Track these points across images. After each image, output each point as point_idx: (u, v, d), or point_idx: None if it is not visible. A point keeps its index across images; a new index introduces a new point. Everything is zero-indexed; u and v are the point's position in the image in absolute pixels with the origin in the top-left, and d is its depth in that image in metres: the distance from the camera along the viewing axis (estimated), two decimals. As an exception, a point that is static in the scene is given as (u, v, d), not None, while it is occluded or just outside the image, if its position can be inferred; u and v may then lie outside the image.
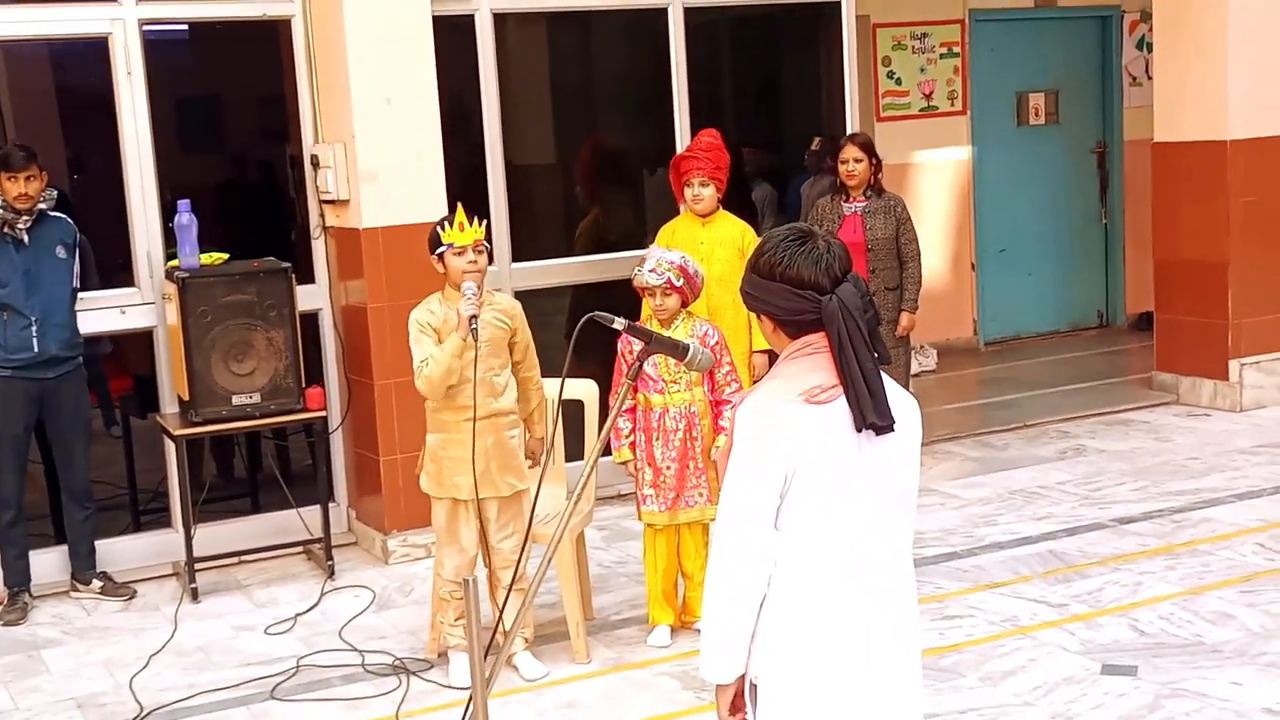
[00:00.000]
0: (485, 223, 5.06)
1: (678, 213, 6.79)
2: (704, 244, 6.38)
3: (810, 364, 2.68)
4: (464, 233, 4.92)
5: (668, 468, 5.31)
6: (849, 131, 7.75)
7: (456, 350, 4.88)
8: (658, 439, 5.31)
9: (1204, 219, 8.54)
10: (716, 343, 5.31)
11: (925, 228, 7.49)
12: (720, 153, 6.48)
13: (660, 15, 7.41)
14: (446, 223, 4.97)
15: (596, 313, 3.05)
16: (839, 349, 2.63)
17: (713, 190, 6.41)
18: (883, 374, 2.67)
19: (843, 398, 2.63)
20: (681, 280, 5.22)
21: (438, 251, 4.99)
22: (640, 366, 3.07)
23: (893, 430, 2.65)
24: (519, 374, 5.21)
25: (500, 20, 7.04)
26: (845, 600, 2.69)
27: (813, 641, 2.68)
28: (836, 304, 2.64)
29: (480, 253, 4.97)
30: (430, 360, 4.90)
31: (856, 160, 7.05)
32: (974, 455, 7.91)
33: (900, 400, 2.72)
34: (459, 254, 4.93)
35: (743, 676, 2.75)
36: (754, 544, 2.64)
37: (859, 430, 2.64)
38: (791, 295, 2.68)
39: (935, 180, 10.64)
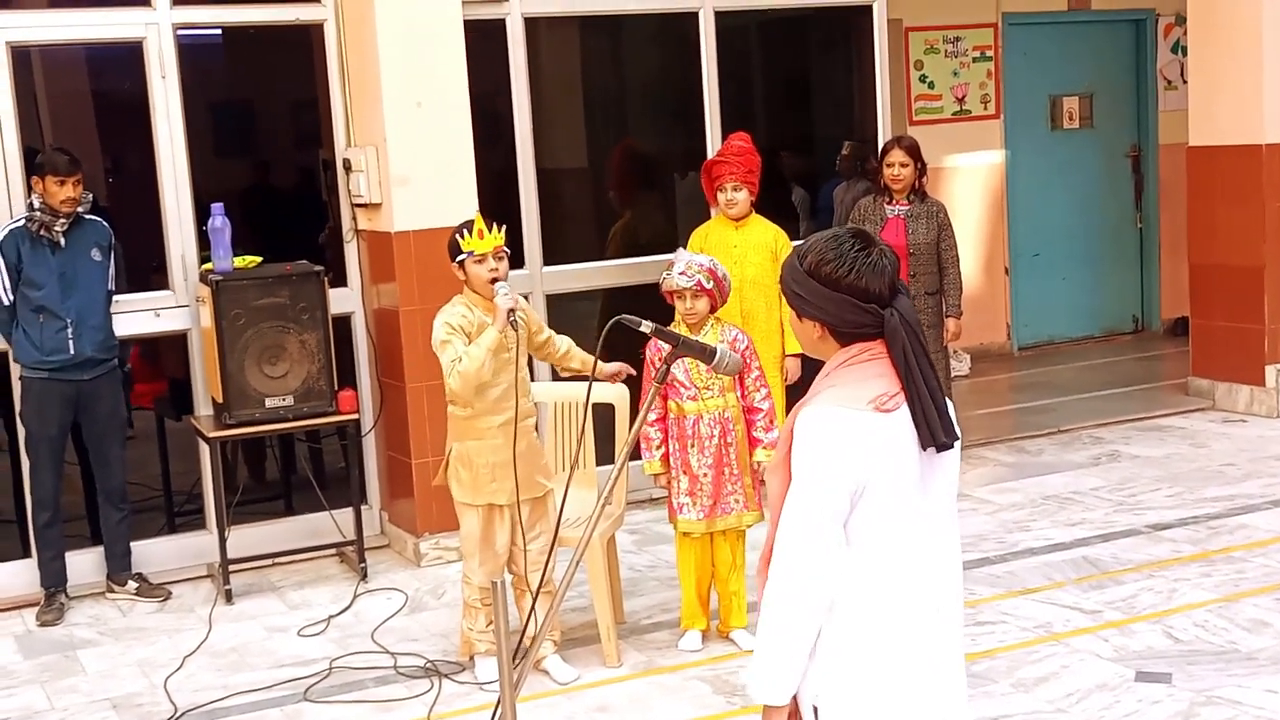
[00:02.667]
0: (504, 227, 5.04)
1: (709, 216, 6.79)
2: (737, 247, 6.38)
3: (870, 370, 2.61)
4: (484, 240, 4.92)
5: (704, 475, 5.27)
6: (881, 135, 7.75)
7: (494, 345, 4.85)
8: (693, 446, 5.28)
9: (1239, 223, 8.48)
10: (746, 348, 5.29)
11: (959, 232, 7.46)
12: (752, 156, 6.48)
13: (691, 19, 7.41)
14: (466, 230, 4.95)
15: (624, 315, 3.03)
16: (904, 366, 2.57)
17: (745, 194, 6.42)
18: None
19: (905, 406, 2.57)
20: (711, 283, 5.20)
21: (458, 259, 4.98)
22: (668, 370, 3.04)
23: (952, 446, 2.61)
24: (549, 347, 5.22)
25: (531, 24, 7.06)
26: (913, 616, 2.61)
27: (881, 660, 2.59)
28: (898, 319, 2.58)
29: (501, 259, 4.96)
30: (465, 357, 4.84)
31: (902, 164, 7.03)
32: (1008, 460, 7.87)
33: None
34: (479, 261, 4.92)
35: (794, 697, 2.64)
36: (824, 560, 2.54)
37: (924, 448, 2.59)
38: (855, 308, 2.61)
39: (968, 184, 10.60)
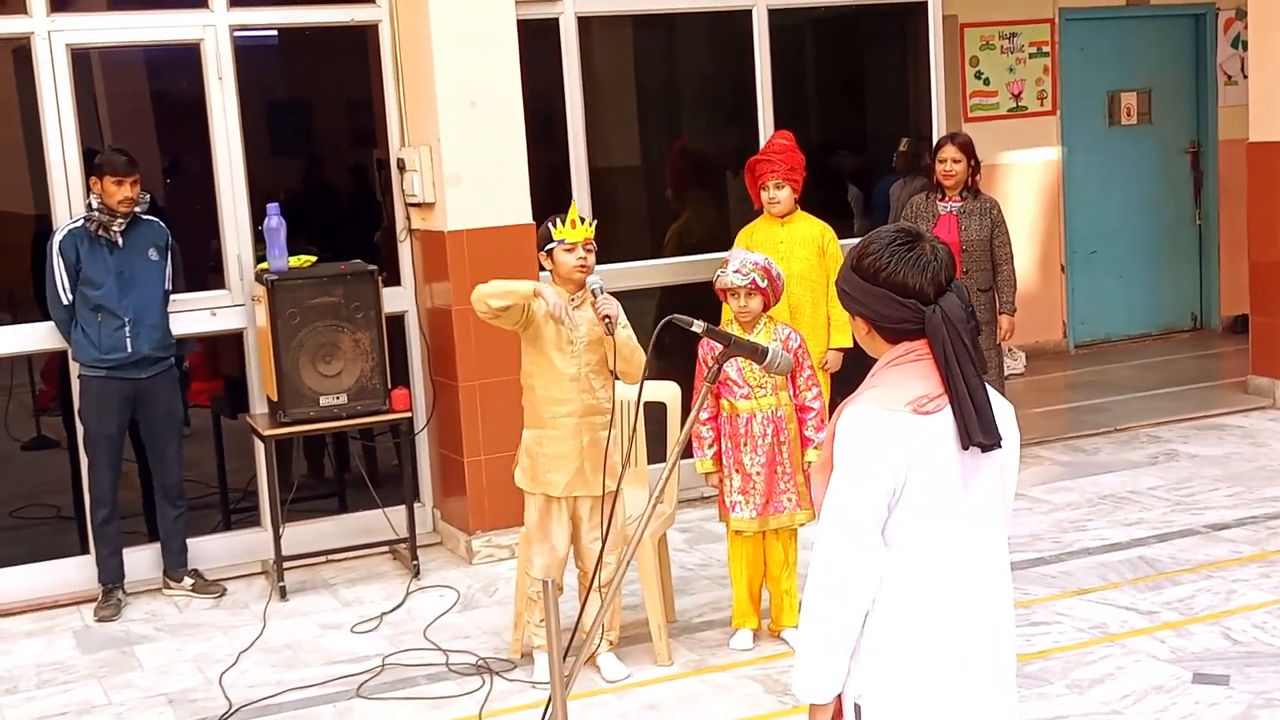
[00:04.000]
0: (595, 223, 5.09)
1: (758, 214, 6.79)
2: (784, 243, 6.39)
3: (913, 371, 2.59)
4: (575, 230, 4.98)
5: (757, 474, 5.25)
6: (935, 132, 7.71)
7: (519, 292, 4.86)
8: (746, 445, 5.26)
9: (1301, 220, 8.37)
10: (799, 347, 5.27)
11: (1014, 229, 7.42)
12: (794, 154, 6.51)
13: (745, 17, 7.40)
14: (559, 219, 5.01)
15: (675, 315, 3.03)
16: (944, 364, 2.54)
17: (788, 192, 6.46)
18: (987, 386, 2.59)
19: (948, 408, 2.55)
20: (765, 281, 5.19)
21: (548, 248, 5.03)
22: (719, 370, 3.04)
23: (1000, 447, 2.58)
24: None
25: (584, 23, 7.07)
26: (952, 616, 2.60)
27: (921, 659, 2.59)
28: (940, 317, 2.55)
29: (590, 251, 5.01)
30: (499, 282, 4.90)
31: (955, 161, 7.00)
32: (1063, 460, 7.80)
33: (1000, 408, 2.63)
34: (569, 250, 4.98)
35: (838, 696, 2.64)
36: (862, 559, 2.54)
37: (965, 448, 2.57)
38: (893, 303, 2.59)
39: (1024, 181, 10.52)
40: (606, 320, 4.85)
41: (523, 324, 4.98)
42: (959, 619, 2.61)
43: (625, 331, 4.99)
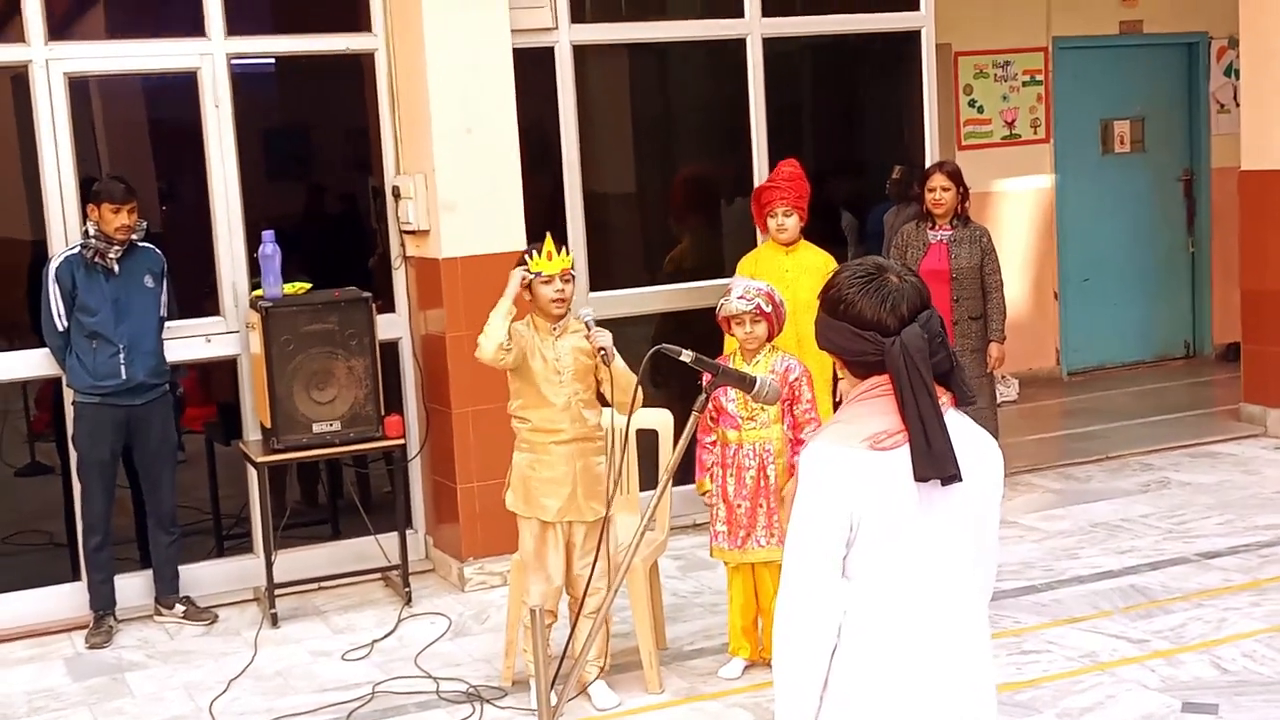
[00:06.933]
0: (572, 253, 5.11)
1: (755, 243, 6.81)
2: (789, 271, 6.42)
3: (877, 407, 2.57)
4: (551, 262, 5.01)
5: (739, 505, 5.26)
6: (928, 159, 7.74)
7: (502, 309, 4.94)
8: (732, 475, 5.27)
9: (1292, 248, 8.41)
10: (797, 378, 5.25)
11: (1008, 256, 7.45)
12: (801, 182, 6.55)
13: (739, 45, 7.43)
14: (535, 251, 5.04)
15: (664, 345, 3.05)
16: (900, 396, 2.53)
17: (796, 219, 6.50)
18: (947, 420, 2.54)
19: (908, 445, 2.53)
20: (770, 307, 5.20)
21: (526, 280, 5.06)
22: (707, 399, 3.05)
23: (958, 481, 2.53)
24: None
25: (580, 52, 7.10)
26: (913, 649, 2.59)
27: (883, 692, 2.58)
28: (899, 348, 2.53)
29: (567, 281, 5.04)
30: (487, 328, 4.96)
31: (944, 189, 7.04)
32: (1055, 487, 7.81)
33: (976, 442, 2.62)
34: (546, 282, 5.01)
35: None
36: (820, 592, 2.55)
37: (918, 481, 2.54)
38: (853, 335, 2.58)
39: (1018, 209, 10.55)
40: (602, 353, 4.89)
41: (516, 362, 5.04)
42: (919, 653, 2.59)
43: (619, 361, 5.01)
